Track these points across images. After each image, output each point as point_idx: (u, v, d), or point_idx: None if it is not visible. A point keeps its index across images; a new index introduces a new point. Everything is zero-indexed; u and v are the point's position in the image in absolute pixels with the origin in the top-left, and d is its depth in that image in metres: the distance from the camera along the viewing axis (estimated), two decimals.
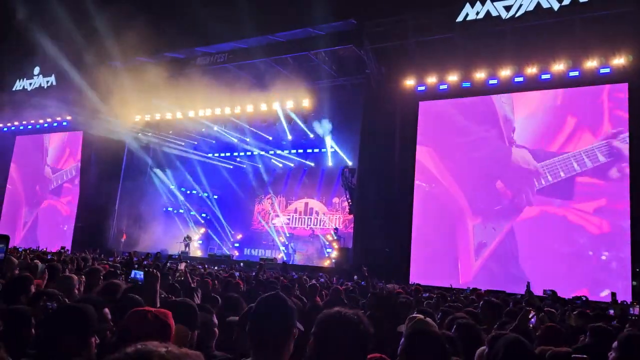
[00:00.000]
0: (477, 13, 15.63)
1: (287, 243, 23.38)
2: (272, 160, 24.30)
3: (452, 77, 16.42)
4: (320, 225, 23.60)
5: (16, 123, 26.88)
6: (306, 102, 19.03)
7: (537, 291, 9.84)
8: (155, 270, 3.60)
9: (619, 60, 14.21)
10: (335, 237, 20.97)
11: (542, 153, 15.34)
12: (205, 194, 25.34)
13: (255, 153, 24.13)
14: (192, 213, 25.44)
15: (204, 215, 25.54)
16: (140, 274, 3.86)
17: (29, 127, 26.62)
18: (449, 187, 16.54)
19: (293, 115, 20.20)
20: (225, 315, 3.51)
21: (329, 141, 21.61)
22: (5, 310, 2.91)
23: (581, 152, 14.80)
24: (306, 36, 18.07)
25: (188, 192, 25.71)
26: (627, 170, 14.04)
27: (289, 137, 22.11)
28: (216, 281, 7.65)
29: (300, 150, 23.19)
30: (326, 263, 20.93)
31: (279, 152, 23.95)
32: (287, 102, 19.40)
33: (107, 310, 2.83)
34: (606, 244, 14.16)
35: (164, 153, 24.41)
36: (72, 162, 25.20)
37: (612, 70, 14.35)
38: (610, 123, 14.64)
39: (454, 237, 16.13)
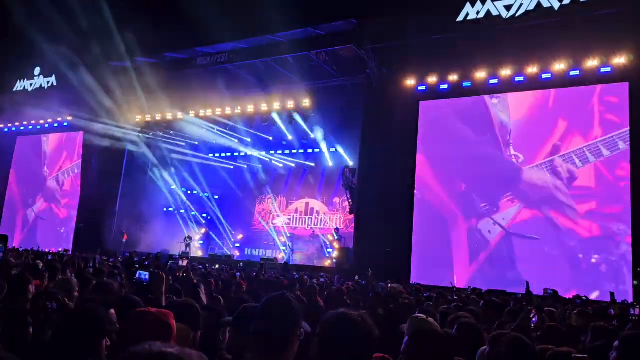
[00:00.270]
0: (478, 12, 15.62)
1: (287, 243, 23.37)
2: (273, 161, 24.28)
3: (453, 77, 16.41)
4: (321, 225, 23.58)
5: (17, 124, 26.91)
6: (306, 102, 19.02)
7: (538, 291, 9.85)
8: (160, 272, 3.59)
9: (620, 60, 14.19)
10: (336, 237, 20.95)
11: (537, 155, 15.37)
12: (206, 194, 25.33)
13: (255, 153, 24.12)
14: (192, 213, 25.43)
15: (204, 215, 25.53)
16: (145, 275, 3.84)
17: (30, 127, 26.64)
18: (449, 188, 16.54)
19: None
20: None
21: (324, 146, 21.71)
22: (2, 310, 2.90)
23: (571, 153, 14.86)
24: (306, 36, 18.06)
25: (189, 192, 25.69)
26: (619, 172, 14.08)
27: (289, 137, 22.10)
28: (219, 281, 7.64)
29: (301, 150, 23.17)
30: (327, 263, 20.91)
31: (279, 152, 23.95)
32: (288, 102, 19.39)
33: (113, 311, 2.82)
34: (596, 247, 14.19)
35: (164, 153, 24.40)
36: (72, 163, 25.20)
37: (613, 69, 14.34)
38: (600, 127, 14.67)
39: (454, 237, 16.12)
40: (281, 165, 24.29)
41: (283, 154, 23.97)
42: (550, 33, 14.73)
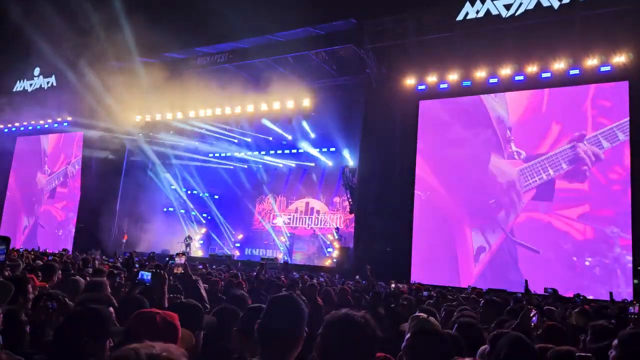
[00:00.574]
0: (477, 12, 15.61)
1: (287, 243, 23.39)
2: (273, 160, 24.29)
3: (453, 76, 16.41)
4: (321, 224, 23.59)
5: (17, 124, 26.91)
6: (306, 102, 19.02)
7: (538, 290, 9.86)
8: (163, 272, 3.59)
9: (620, 58, 14.19)
10: (336, 237, 20.97)
11: (536, 153, 15.42)
12: (206, 194, 25.34)
13: (255, 153, 24.13)
14: (193, 213, 25.44)
15: (204, 215, 25.54)
16: (147, 275, 3.84)
17: (30, 127, 26.64)
18: (449, 187, 16.54)
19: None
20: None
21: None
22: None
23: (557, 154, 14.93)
24: (306, 36, 18.07)
25: (189, 192, 25.70)
26: (613, 176, 14.11)
27: (289, 137, 22.11)
28: (221, 281, 7.64)
29: (301, 150, 23.17)
30: (327, 262, 20.93)
31: (279, 151, 23.95)
32: (287, 102, 19.40)
33: (112, 309, 2.83)
34: (590, 249, 14.25)
35: (164, 153, 24.41)
36: (72, 163, 25.19)
37: (613, 68, 14.35)
38: (592, 128, 14.74)
39: (454, 237, 16.12)
40: (281, 165, 24.31)
41: (283, 153, 23.97)
42: (550, 32, 14.73)
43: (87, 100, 21.30)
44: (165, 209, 25.32)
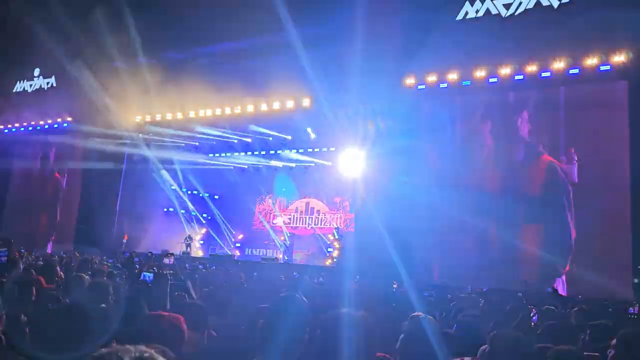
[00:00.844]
0: (477, 11, 15.63)
1: (287, 243, 23.40)
2: (273, 160, 24.29)
3: (452, 76, 16.43)
4: (321, 224, 23.60)
5: (17, 125, 26.90)
6: (306, 102, 19.01)
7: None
8: (165, 272, 3.62)
9: (619, 58, 14.20)
10: (336, 237, 20.98)
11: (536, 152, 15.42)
12: (207, 194, 25.35)
13: (255, 153, 24.12)
14: (193, 213, 25.44)
15: (204, 215, 25.55)
16: (149, 276, 3.86)
17: (30, 128, 26.64)
18: (449, 186, 16.53)
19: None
20: None
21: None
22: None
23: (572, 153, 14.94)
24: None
25: (189, 192, 25.71)
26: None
27: (289, 137, 22.10)
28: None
29: (301, 150, 23.17)
30: (327, 262, 20.93)
31: (279, 151, 23.95)
32: (287, 102, 19.39)
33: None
34: None
35: (164, 153, 24.41)
36: (72, 163, 25.17)
37: (612, 67, 14.34)
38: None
39: (454, 236, 16.12)
40: (281, 165, 24.31)
41: (283, 153, 23.96)
42: (549, 31, 14.73)
43: (87, 100, 21.30)
44: (165, 209, 25.33)
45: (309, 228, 23.86)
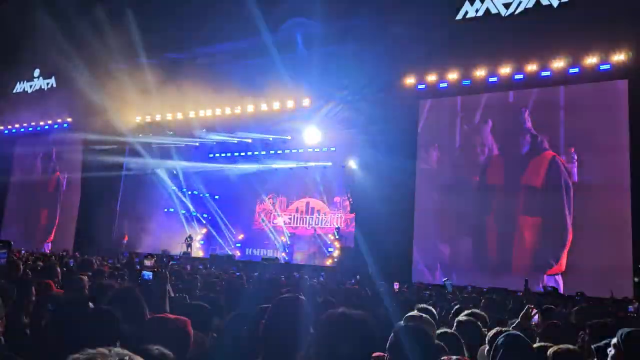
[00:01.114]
0: (477, 11, 15.62)
1: (288, 243, 23.40)
2: (273, 160, 24.29)
3: (452, 75, 16.44)
4: (322, 224, 23.61)
5: (17, 125, 26.91)
6: (306, 102, 19.01)
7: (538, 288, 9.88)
8: (164, 271, 3.61)
9: (619, 57, 14.19)
10: (337, 236, 20.98)
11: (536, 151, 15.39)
12: (207, 194, 25.35)
13: (256, 153, 24.11)
14: (193, 213, 25.45)
15: (205, 215, 25.55)
16: (149, 275, 3.86)
17: (30, 129, 26.65)
18: (450, 186, 16.55)
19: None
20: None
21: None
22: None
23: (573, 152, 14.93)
24: None
25: (189, 192, 25.71)
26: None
27: (289, 137, 22.10)
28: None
29: (301, 150, 23.16)
30: (328, 262, 20.93)
31: (279, 151, 23.94)
32: (288, 101, 19.39)
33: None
34: None
35: (164, 154, 24.41)
36: (72, 164, 25.16)
37: (612, 66, 14.34)
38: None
39: (455, 236, 16.13)
40: (281, 165, 24.31)
41: (283, 153, 23.96)
42: (549, 30, 14.72)
43: (87, 101, 21.30)
44: (165, 209, 25.33)
45: (310, 228, 23.87)
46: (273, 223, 24.53)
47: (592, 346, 3.08)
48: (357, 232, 17.98)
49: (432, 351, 2.28)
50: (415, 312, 2.96)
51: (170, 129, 23.17)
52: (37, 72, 26.02)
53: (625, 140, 14.09)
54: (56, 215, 25.43)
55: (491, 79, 15.92)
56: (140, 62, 20.47)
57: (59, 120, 25.17)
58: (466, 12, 15.74)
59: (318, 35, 17.99)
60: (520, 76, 15.50)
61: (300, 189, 24.33)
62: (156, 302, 3.34)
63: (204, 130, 22.47)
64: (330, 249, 22.08)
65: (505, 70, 15.62)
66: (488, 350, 2.66)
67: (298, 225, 24.23)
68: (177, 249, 22.01)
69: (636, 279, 13.11)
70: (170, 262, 11.75)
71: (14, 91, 26.70)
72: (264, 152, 24.01)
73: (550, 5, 14.52)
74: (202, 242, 25.17)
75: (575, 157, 14.76)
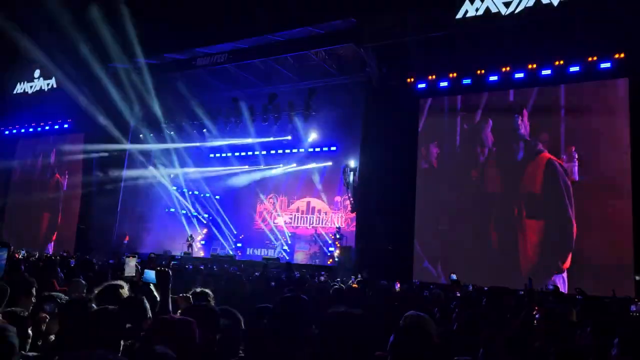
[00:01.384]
0: (477, 10, 15.59)
1: (288, 242, 23.42)
2: (273, 160, 24.30)
3: (453, 75, 16.43)
4: (322, 224, 23.61)
5: (17, 126, 26.92)
6: (306, 102, 19.01)
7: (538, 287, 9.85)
8: (167, 270, 3.57)
9: (620, 55, 14.17)
10: (338, 236, 20.99)
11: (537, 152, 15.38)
12: (208, 194, 25.37)
13: (256, 153, 24.13)
14: (194, 213, 25.48)
15: (206, 215, 25.57)
16: (151, 274, 3.83)
17: (30, 130, 26.66)
18: (450, 185, 16.53)
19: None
20: None
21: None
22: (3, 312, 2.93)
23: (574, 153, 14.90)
24: (306, 35, 18.05)
25: (190, 192, 25.73)
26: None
27: (289, 137, 22.11)
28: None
29: (302, 150, 23.18)
30: (329, 262, 20.94)
31: (279, 151, 23.96)
32: (287, 101, 19.38)
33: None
34: None
35: (165, 154, 24.42)
36: (73, 164, 25.17)
37: (613, 65, 14.33)
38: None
39: (455, 235, 16.11)
40: (281, 165, 24.32)
41: (284, 153, 23.98)
42: (549, 29, 14.71)
43: (88, 101, 21.31)
44: (166, 210, 25.35)
45: (310, 227, 23.88)
46: (274, 223, 24.55)
47: (594, 345, 3.07)
48: (358, 231, 17.98)
49: (432, 351, 2.28)
50: (415, 312, 2.95)
51: (171, 128, 23.18)
52: (37, 73, 26.01)
53: (626, 138, 14.08)
54: (57, 217, 25.44)
55: (492, 78, 15.93)
56: (140, 62, 20.47)
57: (60, 121, 25.18)
58: (466, 11, 15.72)
59: (319, 35, 17.99)
60: (521, 75, 15.50)
61: (301, 188, 24.35)
62: (159, 301, 3.32)
63: (204, 130, 22.48)
64: (331, 249, 22.09)
65: (505, 69, 15.63)
66: (482, 353, 2.64)
67: (299, 225, 24.24)
68: (179, 249, 22.04)
69: (638, 278, 13.09)
70: (172, 263, 11.75)
71: (15, 92, 26.71)
72: (264, 152, 24.03)
73: (551, 3, 14.49)
74: (203, 242, 25.19)
75: (576, 156, 14.74)
